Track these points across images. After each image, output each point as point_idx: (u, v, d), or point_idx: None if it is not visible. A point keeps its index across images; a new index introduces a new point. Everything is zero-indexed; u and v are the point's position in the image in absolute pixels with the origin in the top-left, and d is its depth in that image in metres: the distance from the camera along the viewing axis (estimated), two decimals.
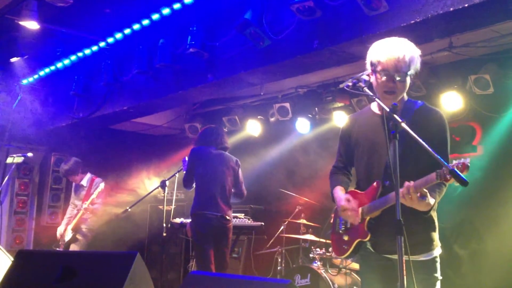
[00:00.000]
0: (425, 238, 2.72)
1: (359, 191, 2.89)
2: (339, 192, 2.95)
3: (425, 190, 2.50)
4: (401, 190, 2.47)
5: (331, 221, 3.11)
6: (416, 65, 2.72)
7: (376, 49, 2.77)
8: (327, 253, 5.61)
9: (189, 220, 5.69)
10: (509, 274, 5.15)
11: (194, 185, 5.48)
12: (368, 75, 2.80)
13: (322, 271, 5.33)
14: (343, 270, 5.47)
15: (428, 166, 2.56)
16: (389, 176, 2.67)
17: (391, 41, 2.75)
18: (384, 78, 2.70)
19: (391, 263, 2.71)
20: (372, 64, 2.77)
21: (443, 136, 2.74)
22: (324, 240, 5.84)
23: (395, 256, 2.38)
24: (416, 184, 2.48)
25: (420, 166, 2.65)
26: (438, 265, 2.72)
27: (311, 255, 5.77)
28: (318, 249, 5.72)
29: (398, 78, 2.68)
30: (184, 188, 5.58)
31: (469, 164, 2.30)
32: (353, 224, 2.83)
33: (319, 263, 5.56)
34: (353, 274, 5.46)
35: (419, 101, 2.87)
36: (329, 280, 5.19)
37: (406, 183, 2.50)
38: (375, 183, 2.76)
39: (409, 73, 2.69)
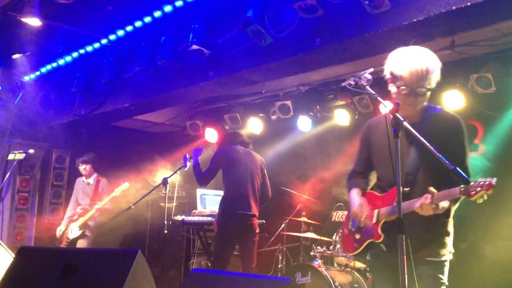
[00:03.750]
0: (439, 241, 2.73)
1: (377, 194, 2.92)
2: (355, 195, 3.00)
3: (445, 204, 2.52)
4: (420, 201, 2.51)
5: (343, 218, 3.13)
6: (438, 77, 2.70)
7: (398, 60, 2.71)
8: (328, 251, 5.62)
9: (193, 217, 5.63)
10: (510, 273, 5.15)
11: (208, 184, 5.51)
12: (388, 82, 2.79)
13: (323, 269, 5.33)
14: (344, 268, 5.47)
15: (448, 173, 2.58)
16: (409, 183, 2.71)
17: (414, 54, 2.70)
18: (404, 92, 2.68)
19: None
20: (392, 75, 2.74)
21: (461, 143, 2.74)
22: (325, 238, 5.86)
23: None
24: (437, 196, 2.48)
25: (440, 172, 2.64)
26: (446, 269, 2.73)
27: (312, 253, 5.77)
28: (319, 247, 5.72)
29: (419, 93, 2.68)
30: (200, 185, 5.59)
31: (494, 184, 2.29)
32: (366, 226, 2.86)
33: (320, 261, 5.56)
34: (354, 272, 5.45)
35: (437, 106, 2.87)
36: (329, 278, 5.19)
37: (426, 194, 2.50)
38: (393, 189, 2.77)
39: (429, 87, 2.68)
